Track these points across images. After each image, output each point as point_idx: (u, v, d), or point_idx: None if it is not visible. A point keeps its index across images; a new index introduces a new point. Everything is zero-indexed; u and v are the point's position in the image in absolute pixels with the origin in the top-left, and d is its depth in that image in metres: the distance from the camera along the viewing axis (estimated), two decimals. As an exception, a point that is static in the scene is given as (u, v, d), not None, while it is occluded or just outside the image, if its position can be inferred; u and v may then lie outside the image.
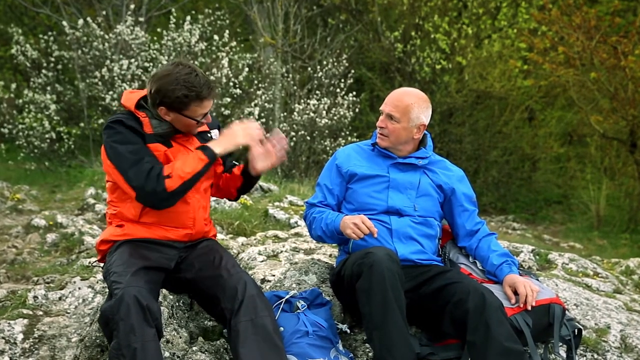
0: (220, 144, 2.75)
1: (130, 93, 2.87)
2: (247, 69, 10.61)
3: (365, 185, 3.13)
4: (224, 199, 3.21)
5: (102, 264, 2.93)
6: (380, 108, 3.14)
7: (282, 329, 2.76)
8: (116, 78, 9.50)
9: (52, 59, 10.34)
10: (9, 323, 3.19)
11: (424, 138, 3.21)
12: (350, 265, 2.85)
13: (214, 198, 4.34)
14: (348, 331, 3.07)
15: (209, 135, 3.00)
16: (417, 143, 3.19)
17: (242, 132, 2.78)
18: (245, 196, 6.32)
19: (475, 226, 3.20)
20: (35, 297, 3.57)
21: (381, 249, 2.75)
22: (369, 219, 2.93)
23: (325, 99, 10.74)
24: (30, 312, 3.39)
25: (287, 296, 2.97)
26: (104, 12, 11.18)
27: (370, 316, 2.64)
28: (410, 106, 3.05)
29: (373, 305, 2.63)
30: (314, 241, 4.44)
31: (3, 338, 3.08)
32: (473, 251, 3.19)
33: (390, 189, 3.10)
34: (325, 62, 11.68)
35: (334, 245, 4.32)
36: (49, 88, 10.22)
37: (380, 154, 3.18)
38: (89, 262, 4.26)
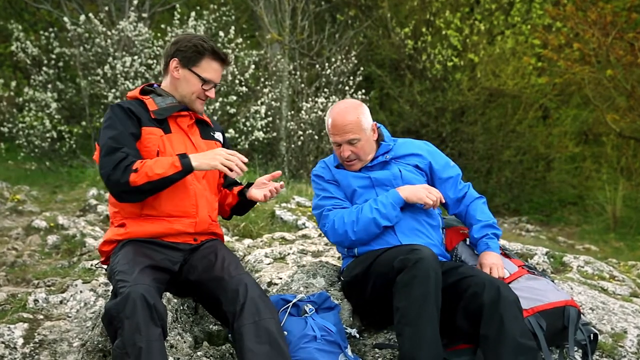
0: (199, 159, 2.71)
1: (132, 90, 3.06)
2: (253, 66, 10.52)
3: (354, 194, 3.17)
4: (219, 215, 3.22)
5: (105, 266, 2.94)
6: (333, 140, 3.15)
7: (288, 333, 2.74)
8: (119, 75, 9.38)
9: (53, 56, 10.22)
10: (8, 327, 3.16)
11: (379, 134, 3.28)
12: (388, 260, 2.80)
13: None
14: (357, 336, 3.03)
15: (212, 133, 3.06)
16: (377, 142, 3.25)
17: (221, 158, 2.71)
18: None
19: (460, 192, 3.24)
20: (35, 300, 3.57)
21: (426, 248, 2.75)
22: None
23: (334, 97, 10.64)
24: (31, 316, 3.37)
25: (295, 300, 2.94)
26: (106, 8, 11.05)
27: (406, 310, 2.61)
28: (358, 119, 3.10)
29: (412, 300, 2.60)
30: (322, 243, 4.50)
31: (3, 343, 3.05)
32: (463, 218, 3.25)
33: (376, 187, 3.13)
34: (333, 59, 11.55)
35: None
36: (49, 86, 10.10)
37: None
38: (91, 265, 4.27)
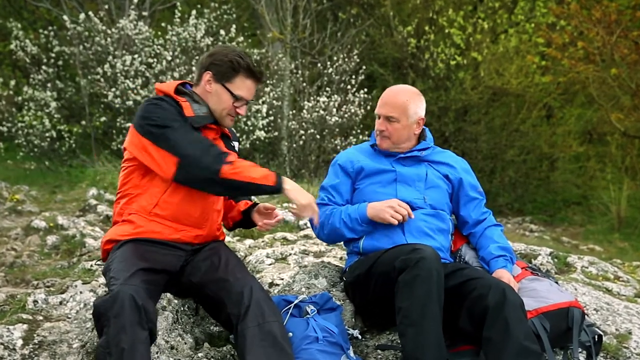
0: (294, 187, 2.68)
1: (163, 83, 2.89)
2: (254, 65, 10.39)
3: (372, 182, 3.17)
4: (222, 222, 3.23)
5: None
6: (376, 112, 3.21)
7: (290, 334, 2.73)
8: (119, 74, 9.34)
9: (53, 55, 10.17)
10: (7, 328, 3.13)
11: (422, 131, 3.29)
12: (389, 260, 2.78)
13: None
14: (359, 337, 3.03)
15: (232, 144, 3.04)
16: (418, 137, 3.26)
17: (309, 208, 2.72)
18: (253, 197, 6.07)
19: (482, 215, 3.25)
20: (35, 301, 3.54)
21: (428, 247, 2.73)
22: None
23: (336, 96, 10.60)
24: (30, 317, 3.34)
25: (296, 301, 2.94)
26: (106, 6, 11.02)
27: (408, 310, 2.59)
28: (406, 103, 3.13)
29: (414, 299, 2.58)
30: (324, 243, 4.39)
31: (2, 344, 3.02)
32: (477, 238, 3.22)
33: (398, 183, 3.14)
34: (335, 58, 11.51)
35: (344, 247, 4.25)
36: (49, 85, 10.05)
37: (382, 152, 3.24)
38: (91, 265, 4.25)
